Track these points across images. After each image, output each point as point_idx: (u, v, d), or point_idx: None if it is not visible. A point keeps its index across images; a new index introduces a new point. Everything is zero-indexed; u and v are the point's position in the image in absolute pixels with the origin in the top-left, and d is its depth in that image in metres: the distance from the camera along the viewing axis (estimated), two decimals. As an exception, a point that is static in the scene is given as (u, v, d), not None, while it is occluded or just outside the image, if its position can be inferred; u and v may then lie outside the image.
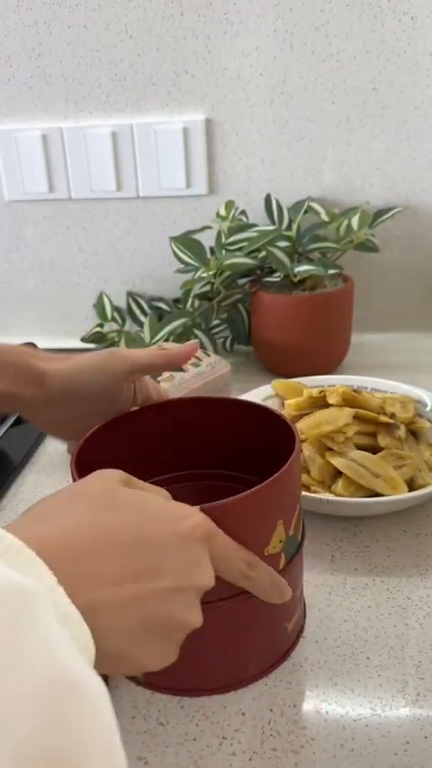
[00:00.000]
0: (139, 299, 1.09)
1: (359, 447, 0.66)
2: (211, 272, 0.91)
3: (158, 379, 0.74)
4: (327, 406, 0.70)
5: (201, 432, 0.55)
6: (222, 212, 0.95)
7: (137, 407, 0.56)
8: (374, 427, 0.68)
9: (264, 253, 0.90)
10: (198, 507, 0.39)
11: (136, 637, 0.34)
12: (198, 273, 0.92)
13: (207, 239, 0.95)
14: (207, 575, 0.38)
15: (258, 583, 0.42)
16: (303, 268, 0.88)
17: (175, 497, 0.43)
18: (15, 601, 0.26)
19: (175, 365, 0.59)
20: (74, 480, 0.45)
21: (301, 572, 0.49)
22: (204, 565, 0.38)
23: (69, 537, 0.34)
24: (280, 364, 0.94)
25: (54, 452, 0.78)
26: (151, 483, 0.45)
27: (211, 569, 0.38)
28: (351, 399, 0.68)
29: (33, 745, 0.23)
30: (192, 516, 0.38)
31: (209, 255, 0.94)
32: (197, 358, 0.80)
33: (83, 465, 0.46)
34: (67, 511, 0.36)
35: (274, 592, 0.43)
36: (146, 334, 0.94)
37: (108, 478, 0.39)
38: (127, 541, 0.35)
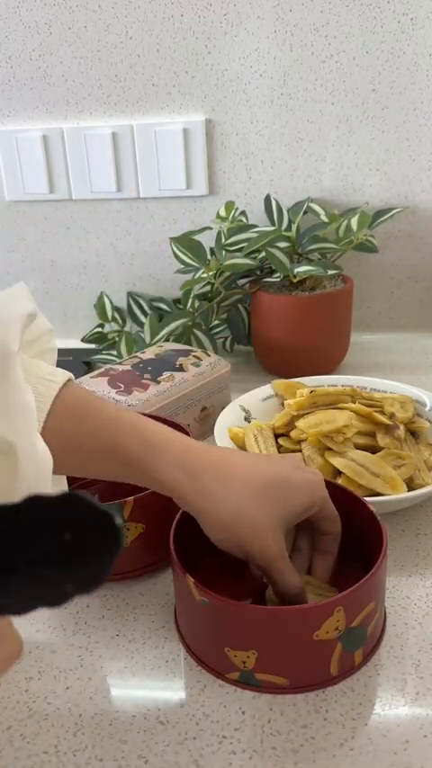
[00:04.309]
0: (139, 300, 1.09)
1: (358, 447, 0.66)
2: (210, 273, 0.91)
3: (159, 378, 0.74)
4: (327, 406, 0.70)
5: None
6: (222, 213, 0.95)
7: None
8: (374, 427, 0.68)
9: (263, 253, 0.90)
10: (133, 498, 0.54)
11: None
12: (198, 274, 0.92)
13: (207, 240, 0.96)
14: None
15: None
16: (303, 269, 0.88)
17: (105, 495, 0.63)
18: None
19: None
20: None
21: None
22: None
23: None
24: (280, 364, 0.94)
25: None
26: (78, 486, 0.66)
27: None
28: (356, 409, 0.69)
29: None
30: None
31: (209, 256, 0.94)
32: (197, 358, 0.80)
33: None
34: None
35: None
36: (146, 335, 0.94)
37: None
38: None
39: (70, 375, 0.49)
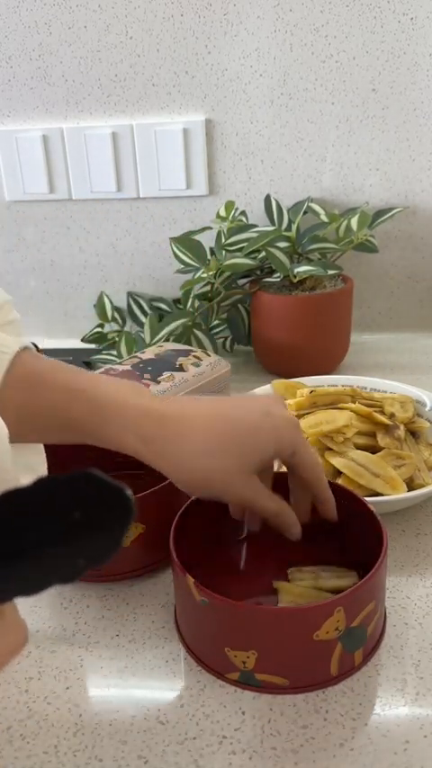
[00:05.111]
0: (139, 300, 1.09)
1: (359, 447, 0.66)
2: (210, 273, 0.91)
3: (159, 378, 0.74)
4: (327, 406, 0.70)
5: None
6: (222, 213, 0.95)
7: None
8: (374, 427, 0.68)
9: (263, 253, 0.90)
10: (139, 495, 0.52)
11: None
12: (198, 274, 0.92)
13: (207, 240, 0.96)
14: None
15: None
16: (303, 268, 0.88)
17: None
18: None
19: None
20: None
21: None
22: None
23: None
24: (280, 364, 0.94)
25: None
26: None
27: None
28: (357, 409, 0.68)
29: None
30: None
31: (209, 256, 0.94)
32: (197, 358, 0.80)
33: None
34: None
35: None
36: (146, 335, 0.94)
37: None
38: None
39: (26, 343, 0.47)
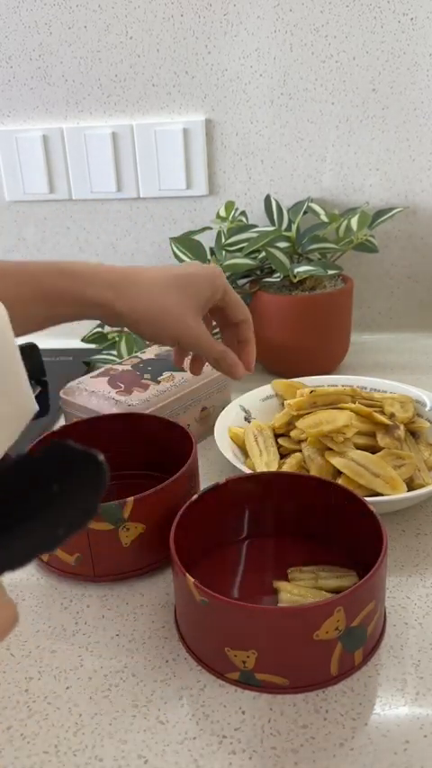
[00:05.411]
0: (139, 300, 1.09)
1: (358, 447, 0.66)
2: (211, 273, 0.91)
3: (159, 378, 0.74)
4: (327, 406, 0.70)
5: (123, 440, 0.68)
6: (222, 213, 0.95)
7: (74, 421, 0.69)
8: (374, 427, 0.68)
9: (263, 253, 0.90)
10: (132, 498, 0.54)
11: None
12: (198, 274, 0.92)
13: (207, 240, 0.96)
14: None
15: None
16: (303, 268, 0.88)
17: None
18: None
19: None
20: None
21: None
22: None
23: None
24: (280, 364, 0.94)
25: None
26: None
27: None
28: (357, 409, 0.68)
29: None
30: None
31: (209, 256, 0.94)
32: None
33: None
34: None
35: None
36: (146, 335, 0.94)
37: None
38: None
39: None
